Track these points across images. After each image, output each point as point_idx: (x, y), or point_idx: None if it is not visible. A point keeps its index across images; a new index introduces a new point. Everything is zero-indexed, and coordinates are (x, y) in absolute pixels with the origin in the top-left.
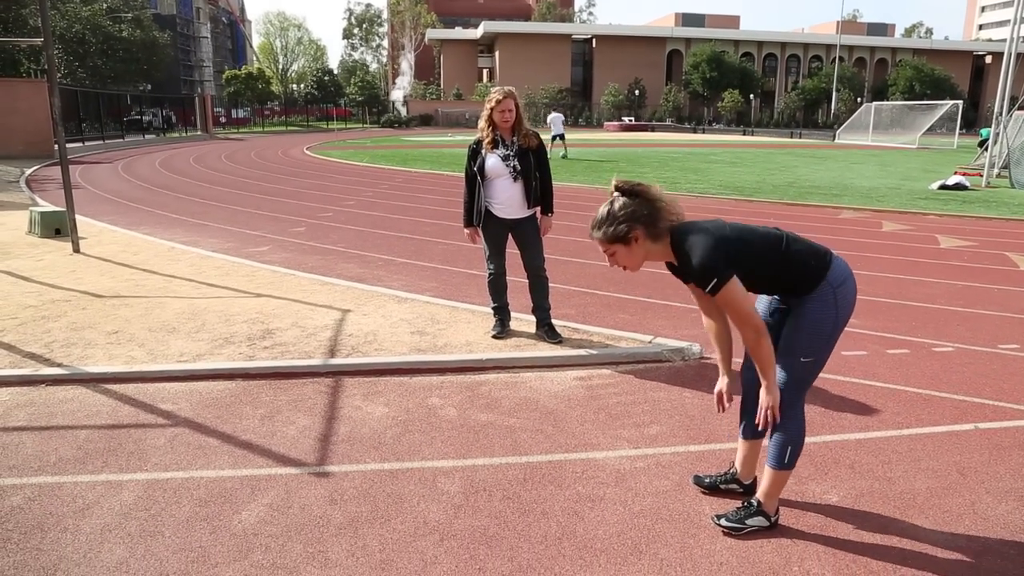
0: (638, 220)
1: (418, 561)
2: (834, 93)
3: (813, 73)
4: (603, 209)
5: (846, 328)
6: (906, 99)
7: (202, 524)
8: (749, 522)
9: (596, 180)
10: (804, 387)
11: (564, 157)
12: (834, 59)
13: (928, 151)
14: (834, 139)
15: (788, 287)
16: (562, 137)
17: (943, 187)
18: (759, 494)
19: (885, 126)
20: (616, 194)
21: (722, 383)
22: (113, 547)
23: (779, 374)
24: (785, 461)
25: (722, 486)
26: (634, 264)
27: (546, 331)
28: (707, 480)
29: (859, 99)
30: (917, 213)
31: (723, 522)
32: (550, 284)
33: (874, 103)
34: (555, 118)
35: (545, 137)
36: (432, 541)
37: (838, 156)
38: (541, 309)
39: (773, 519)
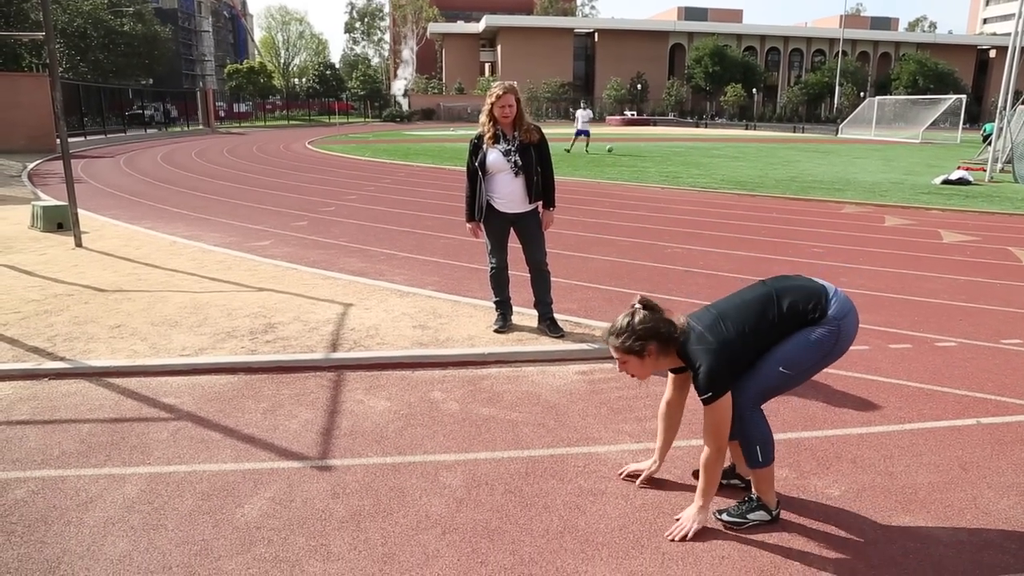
0: (654, 336)
1: (420, 554)
2: (837, 87)
3: (816, 67)
4: (623, 320)
5: None
6: (909, 93)
7: (205, 517)
8: (750, 516)
9: (599, 175)
10: (766, 397)
11: (571, 151)
12: (837, 53)
13: (931, 145)
14: (837, 134)
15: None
16: (585, 134)
17: (946, 182)
18: (753, 490)
19: (888, 120)
20: (639, 307)
21: (650, 467)
22: (116, 540)
23: (751, 373)
24: (760, 460)
25: (723, 480)
26: (644, 374)
27: (548, 325)
28: None
29: (862, 93)
30: (920, 208)
31: (724, 517)
32: (552, 278)
33: (877, 97)
34: (581, 114)
35: (549, 131)
36: (434, 535)
37: (841, 151)
38: (543, 303)
39: (774, 512)
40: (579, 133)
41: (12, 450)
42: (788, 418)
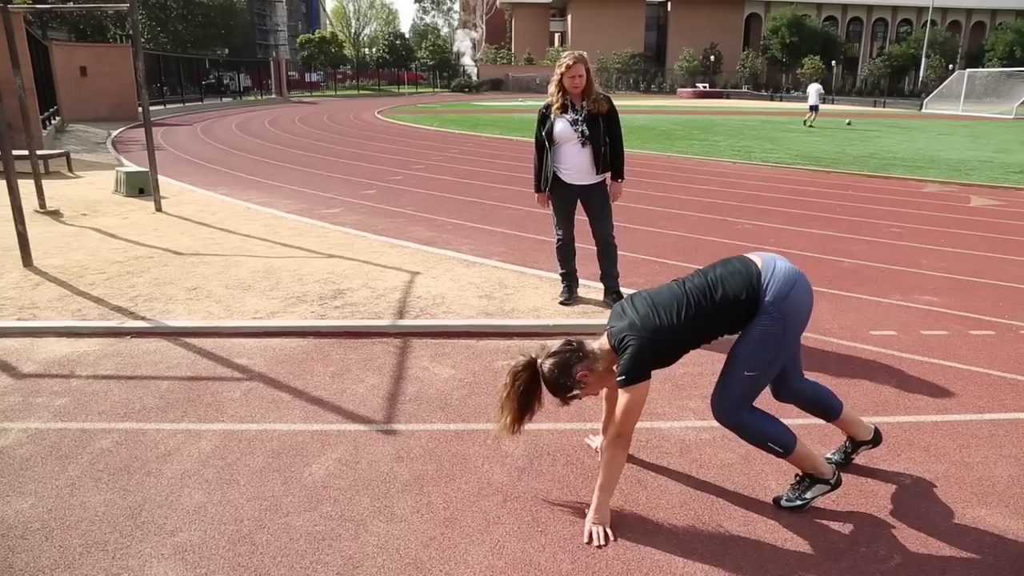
0: (571, 364)
1: (481, 520)
2: (923, 59)
3: (901, 38)
4: (545, 387)
5: (926, 306)
6: (1005, 66)
7: (275, 475)
8: (808, 495)
9: (668, 147)
10: (745, 401)
11: (809, 126)
12: (925, 23)
13: None
14: (921, 108)
15: (734, 327)
16: (815, 108)
17: None
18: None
19: (979, 95)
20: (539, 363)
21: (600, 444)
22: (192, 492)
23: (721, 385)
24: (780, 451)
25: (852, 455)
26: (607, 383)
27: (614, 299)
28: (833, 457)
29: (951, 66)
30: (1010, 188)
31: (784, 503)
32: (619, 252)
33: (968, 70)
34: (813, 89)
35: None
36: (495, 501)
37: (925, 126)
38: (609, 277)
39: (832, 480)
40: (812, 108)
41: (98, 403)
42: (859, 402)
